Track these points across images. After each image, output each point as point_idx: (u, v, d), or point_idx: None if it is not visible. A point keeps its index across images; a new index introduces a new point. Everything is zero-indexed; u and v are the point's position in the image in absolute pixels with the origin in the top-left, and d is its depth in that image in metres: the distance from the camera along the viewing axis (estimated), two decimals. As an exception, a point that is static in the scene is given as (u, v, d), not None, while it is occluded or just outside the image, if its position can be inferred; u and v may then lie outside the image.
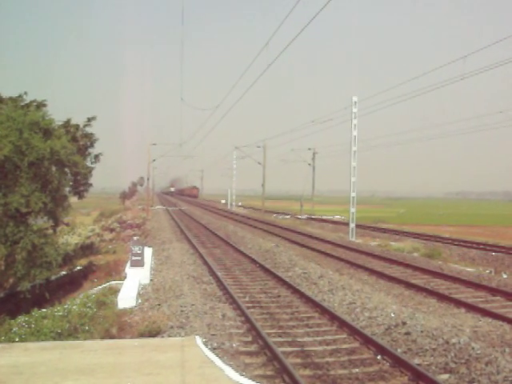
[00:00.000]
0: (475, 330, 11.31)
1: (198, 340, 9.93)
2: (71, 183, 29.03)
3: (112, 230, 46.73)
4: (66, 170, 25.67)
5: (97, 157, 32.87)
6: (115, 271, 22.24)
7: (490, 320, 12.46)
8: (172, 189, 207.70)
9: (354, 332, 11.16)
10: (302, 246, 28.64)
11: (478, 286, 16.86)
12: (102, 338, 11.65)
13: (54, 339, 11.47)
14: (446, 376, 8.64)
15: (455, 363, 9.08)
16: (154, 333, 11.16)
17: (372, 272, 19.60)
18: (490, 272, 21.96)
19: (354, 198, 35.86)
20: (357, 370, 9.09)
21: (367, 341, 10.49)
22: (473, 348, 9.53)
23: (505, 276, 20.72)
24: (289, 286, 16.51)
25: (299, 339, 10.96)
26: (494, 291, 16.07)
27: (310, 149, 67.44)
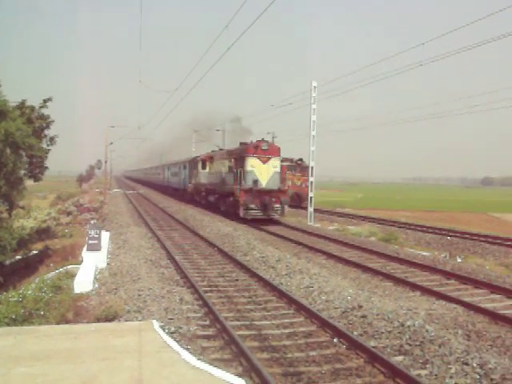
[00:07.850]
0: (430, 312, 11.56)
1: (156, 324, 9.87)
2: (26, 166, 28.41)
3: (69, 214, 45.92)
4: (21, 152, 25.08)
5: (52, 139, 32.07)
6: (72, 255, 21.88)
7: (444, 303, 12.73)
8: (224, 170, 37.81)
9: (311, 315, 11.25)
10: (261, 229, 28.69)
11: (433, 270, 17.17)
12: (58, 323, 11.45)
13: (8, 325, 11.23)
14: (400, 358, 8.81)
15: (410, 345, 9.25)
16: (110, 317, 11.02)
17: (330, 256, 19.76)
18: (445, 256, 22.40)
19: (312, 182, 36.09)
20: (314, 352, 9.17)
21: (324, 324, 10.60)
22: (427, 330, 9.73)
23: (459, 260, 21.17)
24: (247, 270, 16.53)
25: (257, 323, 11.00)
26: (448, 275, 16.39)
27: (269, 133, 67.23)
